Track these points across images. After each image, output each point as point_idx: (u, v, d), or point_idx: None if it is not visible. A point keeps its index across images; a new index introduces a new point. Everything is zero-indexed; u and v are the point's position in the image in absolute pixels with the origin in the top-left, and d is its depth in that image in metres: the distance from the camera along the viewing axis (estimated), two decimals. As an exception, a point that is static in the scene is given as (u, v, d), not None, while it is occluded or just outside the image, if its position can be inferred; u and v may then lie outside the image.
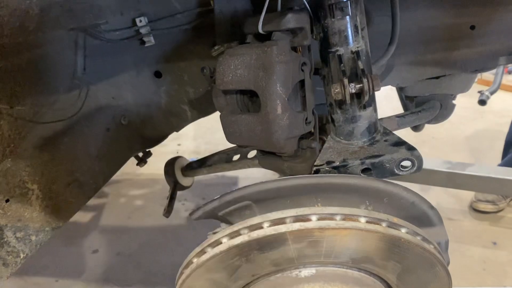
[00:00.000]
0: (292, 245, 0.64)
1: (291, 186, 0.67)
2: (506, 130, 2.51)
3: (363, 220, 0.63)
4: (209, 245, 0.66)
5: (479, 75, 1.27)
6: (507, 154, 2.46)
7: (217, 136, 3.50)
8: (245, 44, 0.87)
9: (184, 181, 1.48)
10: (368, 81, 0.78)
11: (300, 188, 0.67)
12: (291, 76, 0.81)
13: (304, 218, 0.63)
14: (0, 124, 0.86)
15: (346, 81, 0.78)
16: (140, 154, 1.35)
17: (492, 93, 2.32)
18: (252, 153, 1.38)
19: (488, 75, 3.28)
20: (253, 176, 2.76)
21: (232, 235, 0.64)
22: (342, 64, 0.81)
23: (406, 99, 1.19)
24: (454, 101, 1.17)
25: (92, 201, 2.74)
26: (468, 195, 2.45)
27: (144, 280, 2.03)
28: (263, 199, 0.68)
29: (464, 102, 3.34)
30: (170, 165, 1.46)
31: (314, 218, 0.62)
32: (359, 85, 0.79)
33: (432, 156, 3.07)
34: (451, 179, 2.21)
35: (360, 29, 0.82)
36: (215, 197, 0.68)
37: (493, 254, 2.10)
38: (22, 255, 0.96)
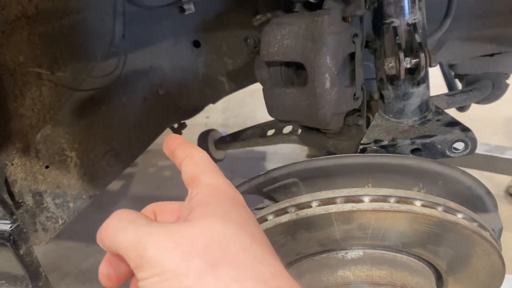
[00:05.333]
0: (341, 226, 0.61)
1: (342, 165, 0.63)
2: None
3: (418, 203, 0.59)
4: (254, 222, 0.64)
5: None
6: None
7: (247, 109, 3.47)
8: (293, 13, 0.83)
9: (216, 154, 1.46)
10: (425, 55, 0.73)
11: (351, 167, 0.64)
12: (341, 48, 0.76)
13: (356, 199, 0.59)
14: (41, 89, 0.85)
15: (402, 55, 0.73)
16: (175, 125, 1.34)
17: (538, 74, 2.20)
18: (287, 129, 1.35)
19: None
20: (282, 151, 2.73)
21: (278, 213, 0.62)
22: (397, 37, 0.76)
23: (456, 77, 1.13)
24: (507, 81, 1.10)
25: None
26: (504, 180, 2.37)
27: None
28: (311, 177, 0.66)
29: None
30: (204, 138, 1.45)
31: (366, 199, 0.59)
32: (415, 60, 0.74)
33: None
34: (488, 163, 2.15)
35: (417, 0, 0.76)
36: (261, 173, 0.66)
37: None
38: (60, 221, 0.96)
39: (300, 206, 0.61)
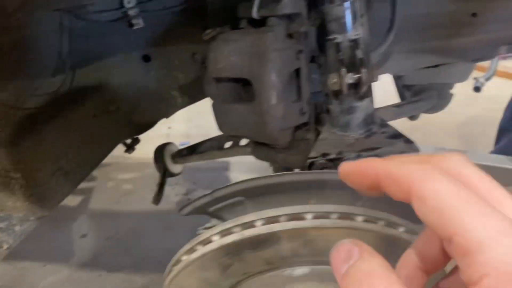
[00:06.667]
0: (286, 244, 0.61)
1: (285, 183, 0.64)
2: (499, 116, 2.50)
3: (359, 218, 0.60)
4: (200, 243, 0.63)
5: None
6: (500, 141, 2.46)
7: (208, 119, 3.44)
8: (239, 29, 0.83)
9: (173, 168, 1.45)
10: (366, 71, 0.74)
11: (294, 184, 0.64)
12: (286, 64, 0.77)
13: (299, 217, 0.60)
14: None
15: (344, 71, 0.75)
16: (129, 141, 1.31)
17: (487, 79, 2.30)
18: (244, 141, 1.35)
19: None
20: (245, 160, 2.73)
21: (223, 233, 0.61)
22: (340, 53, 0.77)
23: (403, 88, 1.16)
24: (451, 91, 1.14)
25: (81, 185, 2.69)
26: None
27: (134, 265, 2.01)
28: (257, 195, 0.65)
29: (457, 87, 3.33)
30: (160, 152, 1.43)
31: (309, 216, 0.60)
32: (357, 75, 0.75)
33: (425, 142, 3.06)
34: (443, 166, 2.21)
35: (359, 16, 0.78)
36: (206, 193, 0.65)
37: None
38: (5, 246, 0.93)
39: (244, 226, 0.60)
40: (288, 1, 0.76)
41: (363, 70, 0.75)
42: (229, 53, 0.78)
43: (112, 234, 2.27)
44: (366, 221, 0.60)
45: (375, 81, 0.77)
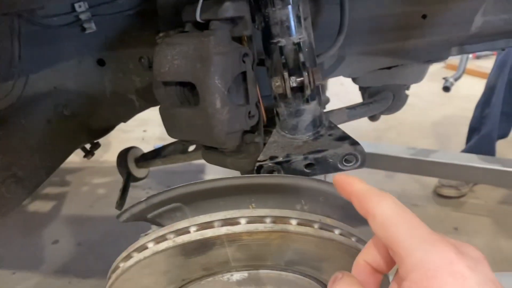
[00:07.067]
0: (222, 249, 0.61)
1: (222, 188, 0.63)
2: (471, 115, 2.54)
3: (294, 222, 0.60)
4: (135, 250, 0.63)
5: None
6: (470, 140, 2.49)
7: (185, 121, 3.44)
8: (184, 33, 0.82)
9: (137, 172, 1.43)
10: (308, 74, 0.74)
11: (232, 189, 0.64)
12: (230, 68, 0.77)
13: (233, 222, 0.59)
14: None
15: (286, 74, 0.75)
16: (88, 146, 1.30)
17: (456, 79, 2.33)
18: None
19: (456, 60, 3.29)
20: (220, 162, 2.72)
21: (157, 240, 0.61)
22: (283, 56, 0.77)
23: (359, 89, 1.17)
24: (407, 92, 1.15)
25: (53, 190, 2.66)
26: (432, 181, 2.48)
27: (105, 271, 1.97)
28: (194, 200, 0.65)
29: (432, 87, 3.37)
30: (123, 156, 1.41)
31: (243, 221, 0.59)
32: (299, 79, 0.75)
33: (398, 142, 3.10)
34: (415, 166, 2.24)
35: (302, 19, 0.78)
36: (142, 199, 0.64)
37: (454, 239, 2.15)
38: None
39: (178, 232, 0.60)
40: (229, 5, 0.76)
41: (305, 74, 0.75)
42: (173, 56, 0.78)
43: (84, 239, 2.24)
44: (300, 224, 0.60)
45: (318, 84, 0.77)
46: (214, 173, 2.71)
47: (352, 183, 0.42)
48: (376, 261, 0.43)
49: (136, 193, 2.53)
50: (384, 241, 0.38)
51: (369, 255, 0.43)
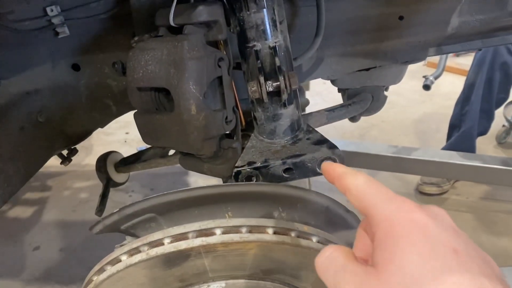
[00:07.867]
0: (198, 260, 0.60)
1: (197, 197, 0.62)
2: (451, 112, 2.56)
3: (270, 231, 0.59)
4: (109, 263, 0.61)
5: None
6: (451, 137, 2.52)
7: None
8: (157, 37, 0.81)
9: (117, 177, 1.41)
10: (284, 78, 0.74)
11: (207, 198, 0.63)
12: (205, 73, 0.75)
13: (208, 232, 0.58)
14: None
15: (262, 79, 0.74)
16: (65, 152, 1.27)
17: (436, 77, 2.35)
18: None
19: (436, 58, 3.32)
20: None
21: (131, 252, 0.59)
22: (259, 61, 0.76)
23: (338, 91, 1.17)
24: (386, 93, 1.15)
25: (34, 195, 2.61)
26: (414, 178, 2.50)
27: (87, 277, 1.95)
28: (169, 211, 0.64)
29: (413, 85, 3.40)
30: (102, 161, 1.39)
31: (218, 231, 0.58)
32: (276, 83, 0.75)
33: (381, 140, 3.12)
34: (396, 164, 2.25)
35: (278, 23, 0.77)
36: (115, 210, 0.63)
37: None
38: None
39: (152, 244, 0.59)
40: (203, 9, 0.74)
41: (282, 78, 0.74)
42: (146, 62, 0.76)
43: (66, 245, 2.20)
44: (277, 233, 0.59)
45: (295, 88, 0.76)
46: (197, 175, 2.69)
47: (335, 168, 0.48)
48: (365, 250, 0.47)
49: (120, 197, 2.50)
50: (361, 210, 0.43)
51: (358, 249, 0.48)
